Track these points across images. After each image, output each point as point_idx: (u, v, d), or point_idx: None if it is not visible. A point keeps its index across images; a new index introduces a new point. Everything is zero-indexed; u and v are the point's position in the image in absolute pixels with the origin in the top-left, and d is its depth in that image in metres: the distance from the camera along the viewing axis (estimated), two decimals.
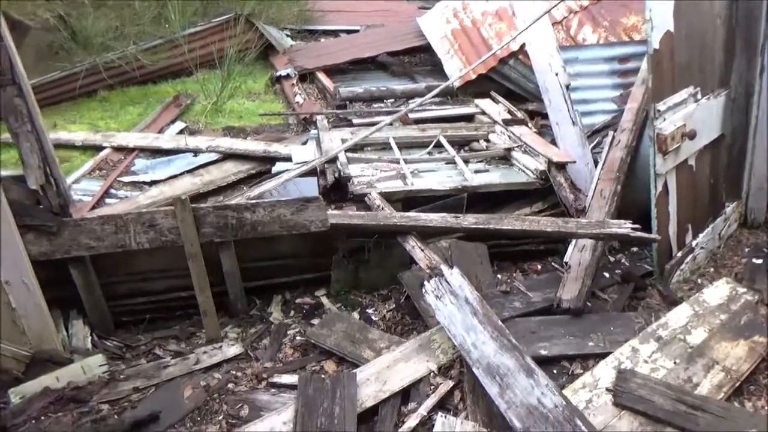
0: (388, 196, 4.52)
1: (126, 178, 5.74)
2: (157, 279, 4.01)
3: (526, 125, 5.57)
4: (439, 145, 5.67)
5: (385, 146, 5.68)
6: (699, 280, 4.58)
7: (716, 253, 4.88)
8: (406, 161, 5.20)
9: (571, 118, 4.97)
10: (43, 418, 3.17)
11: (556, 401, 2.91)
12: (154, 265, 3.95)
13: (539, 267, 4.67)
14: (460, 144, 5.81)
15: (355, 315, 4.15)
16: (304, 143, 6.18)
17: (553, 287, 4.08)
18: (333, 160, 4.70)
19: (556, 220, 3.90)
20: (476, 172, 5.09)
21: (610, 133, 4.89)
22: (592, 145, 5.04)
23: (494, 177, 4.96)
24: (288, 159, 5.77)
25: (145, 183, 5.68)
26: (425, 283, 3.59)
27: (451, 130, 5.85)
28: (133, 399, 3.43)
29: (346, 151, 5.00)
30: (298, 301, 4.30)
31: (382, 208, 4.27)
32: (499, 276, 4.41)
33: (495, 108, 6.08)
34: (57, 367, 3.41)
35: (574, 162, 4.61)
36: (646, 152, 4.66)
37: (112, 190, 5.58)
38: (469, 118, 6.29)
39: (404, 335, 3.96)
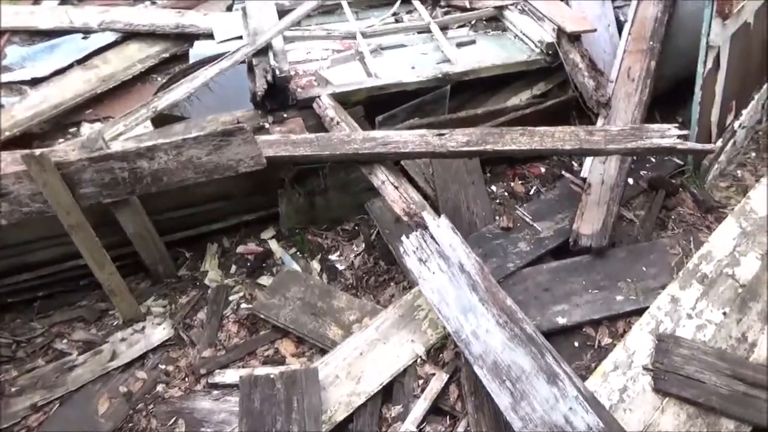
0: (344, 98, 3.34)
1: None
2: (41, 249, 2.95)
3: None
4: (408, 2, 4.29)
5: (335, 7, 4.28)
6: (739, 172, 3.69)
7: (758, 131, 3.92)
8: (364, 35, 3.87)
9: None
10: None
11: (590, 421, 2.15)
12: (31, 235, 2.87)
13: (542, 170, 3.69)
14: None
15: (315, 265, 3.22)
16: (229, 9, 4.70)
17: (566, 209, 3.17)
18: (266, 48, 3.37)
19: (577, 130, 2.82)
20: (459, 45, 3.82)
21: None
22: None
23: (485, 54, 3.73)
24: (209, 35, 4.37)
25: (23, 83, 4.29)
26: (403, 239, 2.63)
27: None
28: (31, 424, 2.61)
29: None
30: (239, 249, 3.32)
31: (337, 122, 3.11)
32: (494, 188, 3.44)
33: None
34: None
35: (594, 31, 3.38)
36: (687, 6, 3.44)
37: None
38: None
39: (379, 289, 3.10)
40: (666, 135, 2.76)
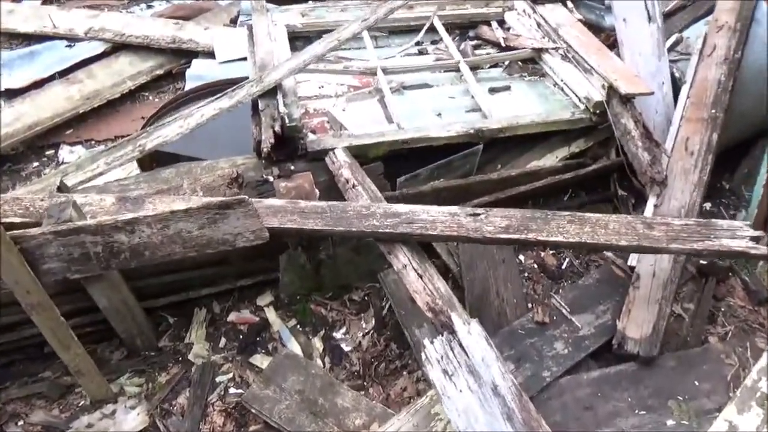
0: (362, 152, 2.90)
1: None
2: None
3: (564, 5, 3.70)
4: (433, 29, 3.85)
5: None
6: None
7: None
8: (385, 71, 3.43)
9: (647, 10, 3.17)
10: None
11: None
12: None
13: None
14: (463, 29, 3.97)
15: (318, 344, 2.81)
16: (234, 21, 4.23)
17: (607, 298, 2.78)
18: (275, 88, 2.91)
19: (634, 222, 2.42)
20: (492, 91, 3.39)
21: (702, 30, 3.18)
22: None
23: (521, 104, 3.30)
24: (210, 54, 3.91)
25: None
26: (426, 344, 2.22)
27: (449, 5, 3.94)
28: None
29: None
30: (232, 317, 2.90)
31: (354, 185, 2.68)
32: (522, 258, 3.04)
33: None
34: None
35: (651, 94, 2.96)
36: (756, 67, 3.05)
37: None
38: None
39: (389, 379, 2.70)
40: (737, 235, 2.36)
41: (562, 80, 3.34)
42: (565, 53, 3.36)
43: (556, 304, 2.76)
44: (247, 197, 2.24)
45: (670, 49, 3.30)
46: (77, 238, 2.12)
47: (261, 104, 2.86)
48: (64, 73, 3.87)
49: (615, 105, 2.99)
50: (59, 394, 2.62)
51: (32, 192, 2.73)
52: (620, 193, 3.31)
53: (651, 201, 2.84)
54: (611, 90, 3.00)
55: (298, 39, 3.79)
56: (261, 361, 2.73)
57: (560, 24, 3.46)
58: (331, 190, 2.82)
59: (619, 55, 3.22)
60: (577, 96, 3.20)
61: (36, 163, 3.61)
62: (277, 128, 2.70)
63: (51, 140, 3.66)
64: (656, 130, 3.08)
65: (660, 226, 2.41)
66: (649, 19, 3.14)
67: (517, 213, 2.46)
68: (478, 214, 2.46)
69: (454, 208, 2.50)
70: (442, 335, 2.22)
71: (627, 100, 2.95)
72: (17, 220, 2.50)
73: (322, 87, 3.40)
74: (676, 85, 3.18)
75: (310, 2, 4.24)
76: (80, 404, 2.60)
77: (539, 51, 3.50)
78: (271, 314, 2.92)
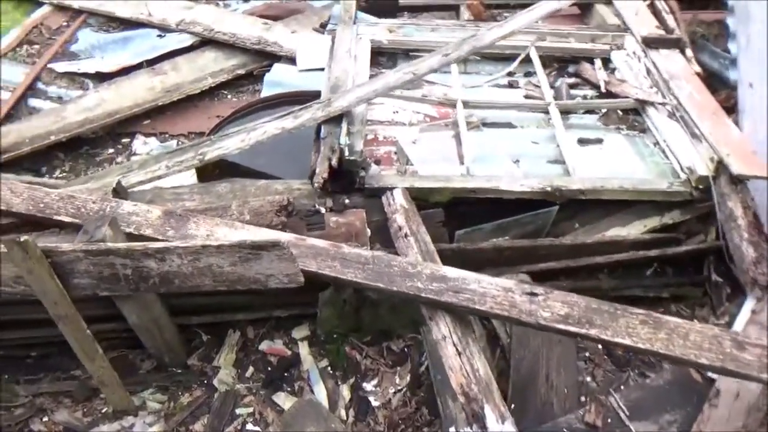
0: (423, 196, 2.68)
1: (61, 64, 3.97)
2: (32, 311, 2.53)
3: (683, 53, 3.26)
4: (529, 60, 3.53)
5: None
6: None
7: None
8: (466, 104, 3.17)
9: None
10: None
11: None
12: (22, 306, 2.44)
13: None
14: (561, 62, 3.62)
15: (345, 393, 2.64)
16: (324, 26, 4.09)
17: (678, 407, 2.40)
18: (340, 115, 2.74)
19: (722, 337, 2.04)
20: (582, 142, 3.05)
21: None
22: None
23: (611, 163, 2.94)
24: (291, 59, 3.80)
25: (86, 76, 3.92)
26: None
27: (550, 36, 3.60)
28: None
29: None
30: (263, 347, 2.79)
31: (406, 234, 2.47)
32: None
33: (633, 5, 3.64)
34: None
35: None
36: None
37: (40, 84, 3.88)
38: (584, 8, 3.93)
39: None
40: None
41: (664, 141, 2.94)
42: (674, 111, 2.95)
43: (614, 404, 2.42)
44: (282, 241, 2.09)
45: None
46: (107, 259, 2.06)
47: (323, 131, 2.70)
48: (151, 62, 3.90)
49: (722, 184, 2.58)
50: (85, 396, 2.62)
51: (90, 190, 2.73)
52: (714, 279, 2.88)
53: (749, 305, 2.42)
54: (720, 165, 2.59)
55: (383, 55, 3.61)
56: (284, 400, 2.61)
57: (673, 75, 3.05)
58: (384, 230, 2.63)
59: (737, 123, 2.77)
60: (679, 163, 2.80)
61: (111, 150, 3.67)
62: (334, 162, 2.53)
63: (128, 129, 3.70)
64: (764, 213, 2.63)
65: (754, 348, 2.02)
66: None
67: (581, 301, 2.16)
68: (536, 295, 2.18)
69: (509, 283, 2.23)
70: (471, 428, 1.98)
71: (738, 181, 2.52)
72: (67, 219, 2.52)
73: (397, 113, 3.20)
74: None
75: (402, 17, 4.04)
76: (103, 410, 2.59)
77: (643, 103, 3.11)
78: (304, 349, 2.79)
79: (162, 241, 2.33)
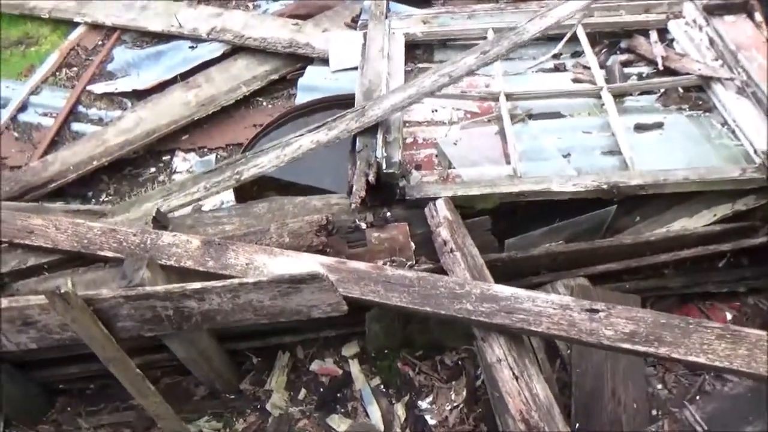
0: (468, 203, 2.53)
1: (99, 86, 3.99)
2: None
3: (751, 17, 2.92)
4: (575, 38, 3.26)
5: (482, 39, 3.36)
6: None
7: None
8: (509, 97, 2.96)
9: None
10: None
11: None
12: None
13: (729, 317, 2.70)
14: (613, 37, 3.33)
15: (400, 412, 2.57)
16: (355, 21, 3.93)
17: (759, 417, 2.20)
18: (375, 124, 2.61)
19: None
20: (639, 128, 2.80)
21: None
22: None
23: (674, 149, 2.68)
24: (324, 60, 3.68)
25: (124, 95, 3.93)
26: None
27: (599, 10, 3.31)
28: None
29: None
30: (314, 367, 2.74)
31: (452, 249, 2.33)
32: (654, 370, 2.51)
33: None
34: None
35: None
36: None
37: (81, 108, 3.92)
38: None
39: None
40: None
41: (734, 120, 2.65)
42: (744, 86, 2.65)
43: (690, 417, 2.24)
44: (322, 273, 2.00)
45: None
46: (147, 303, 2.03)
47: (359, 143, 2.57)
48: (185, 75, 3.87)
49: None
50: (144, 426, 2.65)
51: (130, 221, 2.72)
52: None
53: None
54: None
55: (418, 47, 3.43)
56: (338, 423, 2.55)
57: (741, 45, 2.73)
58: (429, 243, 2.50)
59: None
60: (752, 145, 2.52)
61: (153, 169, 3.68)
62: (371, 177, 2.41)
63: (168, 146, 3.70)
64: None
65: None
66: None
67: (648, 316, 1.97)
68: (597, 311, 2.01)
69: (566, 299, 2.06)
70: None
71: None
72: (110, 254, 2.52)
73: (436, 111, 3.03)
74: None
75: (437, 3, 3.83)
76: None
77: (708, 79, 2.81)
78: (354, 368, 2.72)
79: (202, 273, 2.30)
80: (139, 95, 3.89)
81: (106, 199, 3.51)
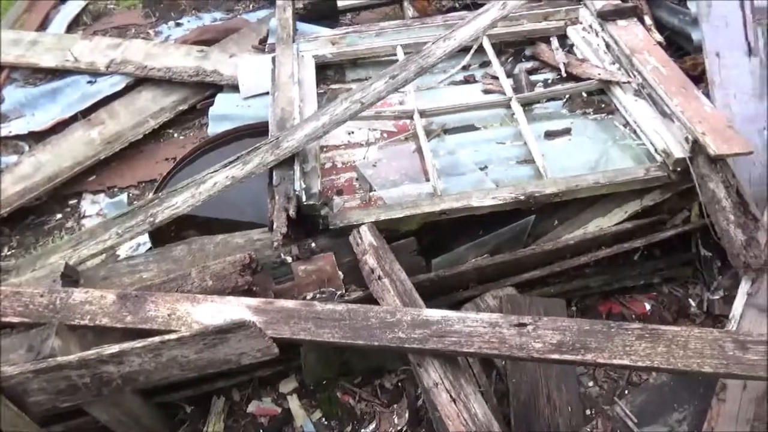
0: (392, 227, 2.52)
1: None
2: None
3: (641, 21, 3.08)
4: (482, 49, 3.33)
5: (391, 56, 3.37)
6: None
7: None
8: (423, 114, 2.98)
9: (747, 42, 2.55)
10: None
11: None
12: None
13: (647, 308, 2.84)
14: (517, 46, 3.43)
15: None
16: (263, 42, 3.85)
17: (685, 402, 2.35)
18: (292, 156, 2.55)
19: (723, 341, 1.93)
20: (549, 135, 2.89)
21: None
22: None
23: (583, 154, 2.79)
24: (234, 86, 3.58)
25: (19, 138, 3.67)
26: None
27: (500, 21, 3.38)
28: None
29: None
30: (251, 408, 2.65)
31: (379, 276, 2.31)
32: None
33: None
34: None
35: (749, 153, 2.38)
36: None
37: None
38: None
39: None
40: None
41: (635, 122, 2.79)
42: (640, 89, 2.79)
43: (621, 412, 2.33)
44: (248, 320, 1.93)
45: None
46: (60, 374, 1.89)
47: (275, 177, 2.51)
48: (86, 112, 3.65)
49: (701, 164, 2.44)
50: None
51: (37, 279, 2.54)
52: (704, 254, 2.79)
53: (743, 288, 2.31)
54: (696, 145, 2.45)
55: (329, 68, 3.40)
56: None
57: (635, 49, 2.87)
58: (357, 270, 2.47)
59: (707, 94, 2.62)
60: (653, 145, 2.66)
61: (59, 215, 3.45)
62: (291, 212, 2.35)
63: (74, 188, 3.48)
64: (754, 190, 2.51)
65: (757, 346, 1.92)
66: (750, 52, 2.52)
67: (573, 325, 2.03)
68: (525, 325, 2.05)
69: (495, 317, 2.09)
70: None
71: (716, 159, 2.39)
72: (16, 320, 2.33)
73: (352, 133, 3.01)
74: None
75: (345, 19, 3.81)
76: None
77: (608, 83, 2.95)
78: (294, 404, 2.65)
79: (120, 329, 2.17)
80: (36, 137, 3.65)
81: (9, 253, 3.25)
